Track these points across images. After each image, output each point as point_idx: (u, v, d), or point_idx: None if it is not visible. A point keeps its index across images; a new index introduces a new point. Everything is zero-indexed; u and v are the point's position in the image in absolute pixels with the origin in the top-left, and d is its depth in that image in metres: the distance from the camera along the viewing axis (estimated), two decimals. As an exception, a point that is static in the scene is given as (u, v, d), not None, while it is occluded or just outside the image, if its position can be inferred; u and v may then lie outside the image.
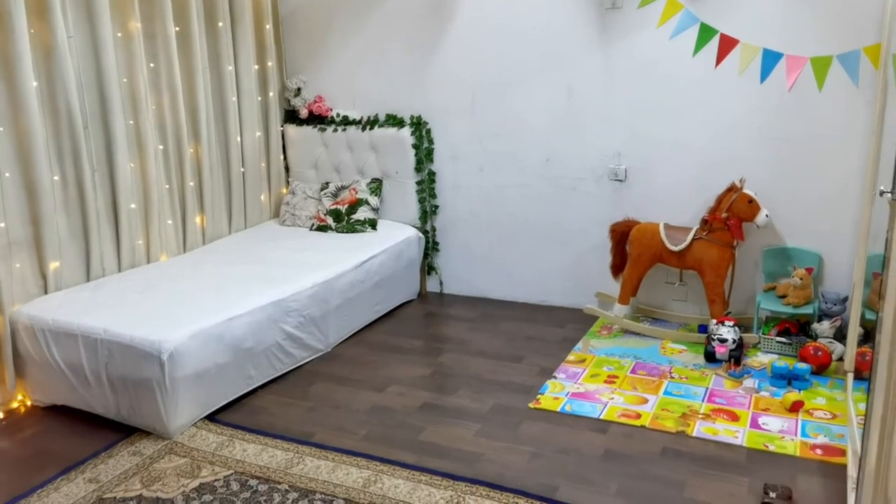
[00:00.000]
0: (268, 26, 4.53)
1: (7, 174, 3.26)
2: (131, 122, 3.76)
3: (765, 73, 3.58)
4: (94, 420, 3.17)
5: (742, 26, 3.58)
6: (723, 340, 3.42)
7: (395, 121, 4.47)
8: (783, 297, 3.62)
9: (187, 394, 3.00)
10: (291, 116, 4.80)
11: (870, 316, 3.30)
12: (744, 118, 3.69)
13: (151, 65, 3.88)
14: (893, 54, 2.99)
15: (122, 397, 3.05)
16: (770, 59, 3.56)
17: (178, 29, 3.96)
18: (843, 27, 3.40)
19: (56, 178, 3.45)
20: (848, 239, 3.56)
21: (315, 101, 4.68)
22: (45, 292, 3.44)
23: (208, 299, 3.32)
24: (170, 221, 4.03)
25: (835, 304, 3.49)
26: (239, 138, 4.44)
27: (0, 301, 3.24)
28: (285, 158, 4.84)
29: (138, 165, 3.83)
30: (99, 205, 3.64)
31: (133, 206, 3.78)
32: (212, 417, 3.16)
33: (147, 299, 3.33)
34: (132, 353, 2.95)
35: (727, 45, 3.62)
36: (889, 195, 1.94)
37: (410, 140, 4.42)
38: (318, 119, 4.70)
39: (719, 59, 3.65)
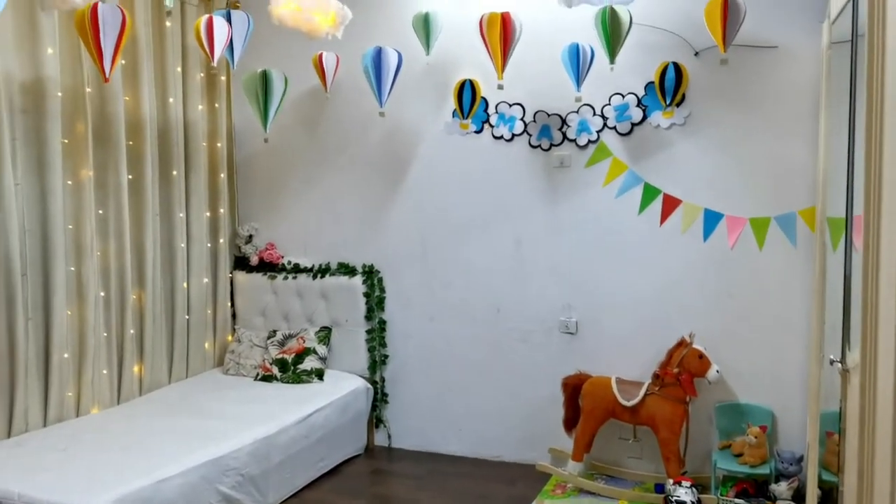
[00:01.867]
0: (222, 175, 4.57)
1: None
2: (72, 268, 3.65)
3: (707, 231, 3.72)
4: None
5: (684, 187, 3.73)
6: (681, 503, 3.30)
7: (346, 269, 4.45)
8: (739, 455, 3.54)
9: (105, 568, 2.72)
10: (241, 263, 4.75)
11: (827, 477, 3.23)
12: (690, 273, 3.76)
13: (100, 211, 3.82)
14: (828, 217, 3.12)
15: (30, 572, 2.74)
16: (712, 219, 3.71)
17: (130, 177, 3.95)
18: (779, 190, 3.56)
19: (-15, 326, 3.28)
20: (798, 395, 3.56)
21: (266, 249, 4.65)
22: (-41, 450, 3.17)
23: (137, 458, 3.09)
24: (105, 371, 3.83)
25: (791, 464, 3.43)
26: (185, 284, 4.34)
27: None
28: (233, 305, 4.74)
29: (76, 312, 3.68)
30: (29, 354, 3.45)
31: (66, 355, 3.59)
32: None
33: (70, 458, 3.08)
34: (47, 522, 2.69)
35: (670, 204, 3.78)
36: (839, 365, 1.94)
37: (362, 288, 4.38)
38: (268, 266, 4.65)
39: (663, 217, 3.80)
